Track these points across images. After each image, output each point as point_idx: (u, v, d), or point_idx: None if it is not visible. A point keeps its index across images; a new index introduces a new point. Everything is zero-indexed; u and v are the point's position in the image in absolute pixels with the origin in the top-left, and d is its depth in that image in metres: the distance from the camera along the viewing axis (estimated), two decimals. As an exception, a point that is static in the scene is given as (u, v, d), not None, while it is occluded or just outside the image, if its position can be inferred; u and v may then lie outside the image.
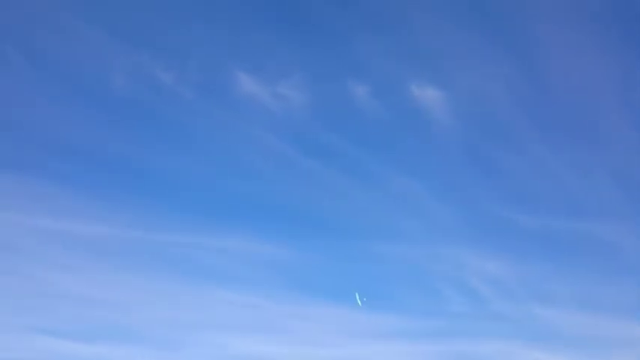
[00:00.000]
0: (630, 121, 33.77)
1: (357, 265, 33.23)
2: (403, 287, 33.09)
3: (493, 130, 34.59)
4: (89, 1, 32.52)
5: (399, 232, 33.77)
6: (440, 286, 32.92)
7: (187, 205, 33.52)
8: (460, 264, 33.29)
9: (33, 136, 32.53)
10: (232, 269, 32.63)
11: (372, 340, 31.45)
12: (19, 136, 32.29)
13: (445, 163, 34.61)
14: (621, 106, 33.96)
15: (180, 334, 30.82)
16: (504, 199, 34.28)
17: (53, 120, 32.82)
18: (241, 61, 33.67)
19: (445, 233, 33.71)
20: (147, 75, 33.07)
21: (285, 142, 34.06)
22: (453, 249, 33.42)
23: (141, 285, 31.67)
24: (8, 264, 30.62)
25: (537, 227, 33.60)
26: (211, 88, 33.76)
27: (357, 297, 30.20)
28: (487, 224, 34.01)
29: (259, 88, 33.51)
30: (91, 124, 33.01)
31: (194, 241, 32.76)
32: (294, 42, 34.16)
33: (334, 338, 31.52)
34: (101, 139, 33.09)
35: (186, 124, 33.85)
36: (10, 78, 32.23)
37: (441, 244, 33.50)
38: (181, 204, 33.49)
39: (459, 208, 34.32)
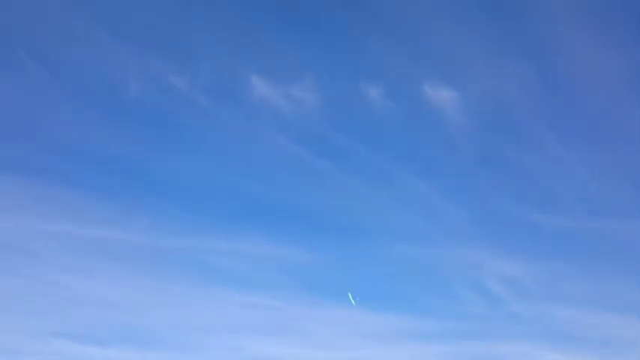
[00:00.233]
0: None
1: (372, 267, 33.29)
2: (418, 288, 33.04)
3: (508, 129, 34.51)
4: (102, 6, 32.73)
5: (414, 233, 33.76)
6: (455, 287, 32.87)
7: (201, 208, 33.75)
8: (476, 264, 33.22)
9: (48, 141, 32.89)
10: (246, 272, 32.76)
11: (388, 341, 31.41)
12: (34, 141, 32.60)
13: (460, 163, 34.52)
14: (637, 105, 33.79)
15: (195, 337, 30.96)
16: (520, 198, 34.18)
17: (68, 125, 33.07)
18: (253, 64, 33.87)
19: (460, 234, 33.63)
20: (159, 79, 33.36)
21: (298, 144, 34.15)
22: (468, 249, 33.34)
23: (156, 288, 31.87)
24: (25, 268, 30.90)
25: (554, 227, 33.47)
26: (224, 91, 33.97)
27: (350, 296, 30.15)
28: (503, 224, 33.91)
29: (272, 91, 33.64)
30: (104, 129, 33.27)
31: (208, 245, 32.92)
32: (306, 44, 34.32)
33: (349, 340, 31.52)
34: (115, 144, 33.39)
35: (199, 127, 34.07)
36: (23, 83, 32.61)
37: (456, 245, 33.43)
38: (195, 207, 33.73)
39: (474, 209, 34.24)
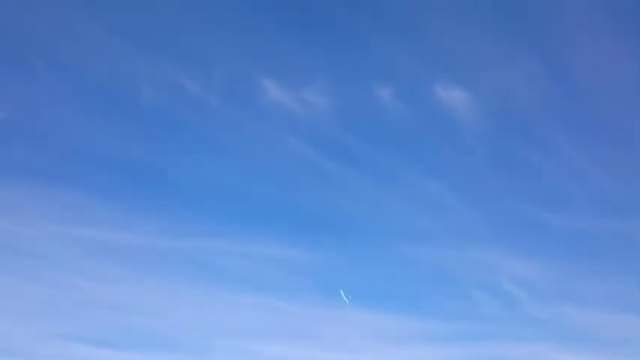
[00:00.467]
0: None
1: (385, 269, 33.20)
2: (432, 290, 32.97)
3: (520, 130, 34.35)
4: (114, 12, 33.02)
5: (427, 234, 33.69)
6: (468, 289, 32.73)
7: (213, 210, 33.95)
8: (489, 266, 33.08)
9: (62, 146, 33.27)
10: (259, 274, 32.90)
11: (401, 344, 31.34)
12: (49, 146, 33.00)
13: (472, 164, 34.41)
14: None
15: (208, 340, 31.12)
16: (533, 199, 33.99)
17: (81, 129, 33.41)
18: (266, 68, 33.98)
19: (474, 235, 33.51)
20: (173, 84, 33.57)
21: (310, 147, 34.22)
22: (481, 251, 33.23)
23: (170, 291, 32.09)
24: (42, 273, 31.23)
25: (568, 227, 33.26)
26: (237, 95, 34.13)
27: (343, 294, 30.15)
28: (516, 225, 33.77)
29: (284, 94, 33.74)
30: (118, 133, 33.55)
31: (222, 248, 33.07)
32: (317, 47, 34.40)
33: (362, 342, 31.49)
34: (129, 148, 33.66)
35: (213, 131, 34.25)
36: (38, 90, 33.00)
37: (469, 246, 33.31)
38: (207, 210, 33.92)
39: (487, 209, 34.13)
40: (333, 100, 34.05)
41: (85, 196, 32.64)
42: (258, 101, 33.75)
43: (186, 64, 33.63)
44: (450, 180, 34.25)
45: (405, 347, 31.07)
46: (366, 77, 34.13)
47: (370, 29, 33.82)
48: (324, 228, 33.83)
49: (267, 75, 33.71)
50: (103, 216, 32.55)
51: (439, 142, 34.55)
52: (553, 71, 34.00)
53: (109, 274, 31.71)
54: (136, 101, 33.23)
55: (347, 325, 31.78)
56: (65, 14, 32.36)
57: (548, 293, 32.37)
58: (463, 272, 32.99)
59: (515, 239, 33.37)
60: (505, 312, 31.97)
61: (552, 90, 34.17)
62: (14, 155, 32.04)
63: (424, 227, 33.70)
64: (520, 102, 34.14)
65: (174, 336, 30.93)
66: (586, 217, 33.34)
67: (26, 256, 31.12)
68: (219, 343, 30.89)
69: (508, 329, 31.23)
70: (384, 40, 33.93)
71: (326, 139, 34.26)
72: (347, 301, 29.89)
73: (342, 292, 30.07)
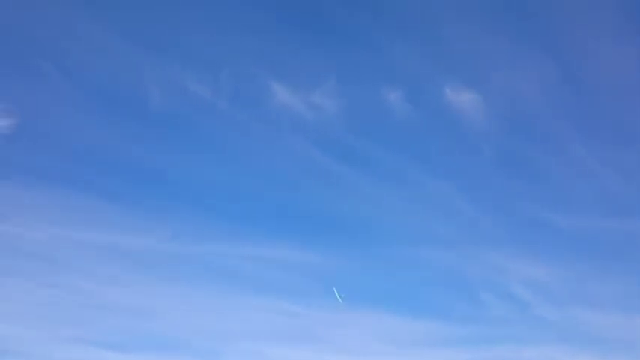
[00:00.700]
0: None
1: (396, 271, 33.24)
2: (442, 292, 32.95)
3: (529, 131, 34.32)
4: (123, 16, 33.23)
5: (438, 236, 33.68)
6: (479, 291, 32.69)
7: (227, 215, 34.11)
8: (499, 268, 33.01)
9: (75, 151, 33.49)
10: (271, 277, 32.97)
11: (411, 346, 31.28)
12: (61, 152, 33.23)
13: (482, 166, 34.39)
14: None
15: (219, 343, 31.21)
16: (543, 200, 33.94)
17: (92, 134, 33.63)
18: (274, 71, 34.10)
19: (483, 237, 33.46)
20: (182, 88, 33.79)
21: (320, 150, 34.29)
22: (491, 253, 33.19)
23: (179, 294, 32.24)
24: (52, 276, 31.42)
25: (578, 229, 33.17)
26: (246, 99, 34.24)
27: (336, 292, 30.11)
28: (526, 227, 33.72)
29: (293, 98, 33.82)
30: (129, 138, 33.81)
31: (232, 251, 33.21)
32: (326, 50, 34.46)
33: (373, 345, 31.45)
34: (140, 153, 33.90)
35: (222, 135, 34.46)
36: (47, 94, 33.24)
37: (479, 248, 33.27)
38: (219, 214, 34.09)
39: (497, 211, 34.08)
40: (342, 102, 34.21)
41: (95, 199, 32.99)
42: (267, 104, 33.97)
43: (194, 68, 33.98)
44: (459, 182, 34.36)
45: (415, 350, 31.15)
46: (375, 80, 34.31)
47: (378, 32, 34.01)
48: (333, 231, 34.06)
49: (275, 78, 33.95)
50: (113, 219, 32.88)
51: (448, 144, 34.69)
52: (562, 73, 34.03)
53: (120, 278, 31.99)
54: (146, 105, 33.56)
55: (357, 328, 31.95)
56: (74, 18, 32.74)
57: (558, 295, 32.39)
58: (473, 275, 33.09)
59: (525, 241, 33.43)
60: (515, 314, 32.03)
61: (561, 92, 34.20)
62: (24, 159, 32.44)
63: (434, 230, 33.84)
64: (529, 104, 34.21)
65: (185, 338, 31.16)
66: (596, 218, 33.37)
67: (37, 260, 31.45)
68: (230, 346, 31.08)
69: (518, 332, 31.26)
70: (392, 43, 34.12)
71: (335, 141, 34.45)
72: (340, 299, 30.00)
73: (335, 290, 30.22)
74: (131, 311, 31.40)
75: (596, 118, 33.97)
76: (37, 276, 31.08)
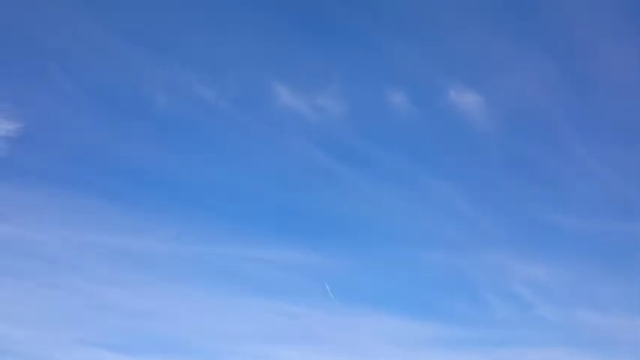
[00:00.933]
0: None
1: (399, 273, 33.20)
2: (444, 294, 32.85)
3: (534, 132, 34.18)
4: (129, 19, 33.44)
5: (441, 238, 33.59)
6: (482, 293, 32.57)
7: (229, 216, 34.11)
8: (503, 269, 32.87)
9: (77, 153, 33.60)
10: (274, 279, 32.98)
11: (413, 348, 31.27)
12: (64, 153, 33.35)
13: (486, 168, 34.30)
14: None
15: (223, 345, 31.19)
16: (547, 202, 33.77)
17: (97, 137, 33.75)
18: (278, 74, 34.16)
19: (487, 238, 33.33)
20: (186, 90, 33.90)
21: (324, 153, 34.31)
22: (495, 254, 33.04)
23: (184, 297, 32.25)
24: (57, 278, 31.53)
25: (582, 230, 33.01)
26: (250, 101, 34.32)
27: (328, 289, 30.12)
28: (530, 228, 33.54)
29: (297, 100, 33.87)
30: (132, 140, 33.91)
31: (236, 253, 33.23)
32: (330, 52, 34.49)
33: (377, 347, 31.37)
34: (143, 155, 34.02)
35: (226, 137, 34.51)
36: (52, 97, 33.38)
37: (482, 250, 33.15)
38: (223, 216, 34.09)
39: (501, 213, 33.94)
40: (345, 104, 34.23)
41: (97, 200, 33.07)
42: (271, 106, 34.03)
43: (198, 70, 34.13)
44: (463, 183, 34.25)
45: (417, 352, 31.11)
46: (378, 81, 34.32)
47: (382, 34, 34.02)
48: (336, 232, 34.05)
49: (279, 80, 34.04)
50: (114, 220, 32.97)
51: (452, 146, 34.58)
52: (567, 74, 33.91)
53: (124, 279, 32.07)
54: (149, 106, 33.70)
55: (364, 331, 31.88)
56: (77, 19, 32.95)
57: (562, 297, 32.22)
58: (475, 276, 32.96)
59: (529, 242, 33.27)
60: (518, 316, 31.91)
61: (567, 93, 34.09)
62: (26, 160, 32.51)
63: (437, 231, 33.74)
64: (534, 105, 34.08)
65: (188, 341, 31.20)
66: (600, 219, 33.17)
67: (38, 260, 31.58)
68: (234, 348, 31.09)
69: (521, 333, 31.13)
70: (396, 44, 34.11)
71: (339, 143, 34.45)
72: (332, 296, 30.01)
73: (327, 286, 30.24)
74: (133, 312, 31.55)
75: (600, 119, 33.90)
76: (38, 277, 31.25)
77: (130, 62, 33.50)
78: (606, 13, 32.56)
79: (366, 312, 31.77)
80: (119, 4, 33.40)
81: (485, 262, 32.85)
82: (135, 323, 31.25)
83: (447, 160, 34.60)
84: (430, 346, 31.17)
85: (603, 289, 31.86)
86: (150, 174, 33.90)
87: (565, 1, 32.94)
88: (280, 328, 31.81)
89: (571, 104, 33.99)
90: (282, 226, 33.95)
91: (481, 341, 30.92)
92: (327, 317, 31.87)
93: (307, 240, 33.46)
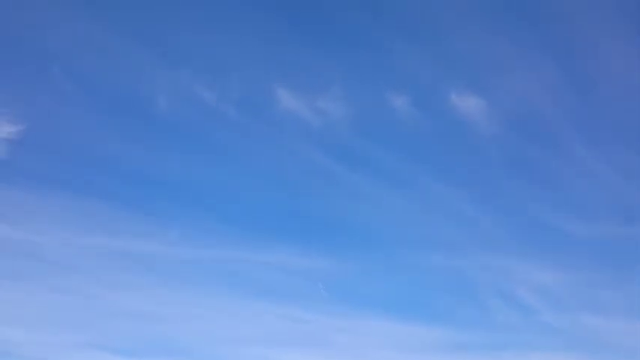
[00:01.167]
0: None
1: (401, 277, 33.17)
2: (448, 298, 32.81)
3: (537, 136, 34.08)
4: (130, 21, 33.39)
5: (444, 242, 33.54)
6: (486, 297, 32.51)
7: (233, 219, 34.08)
8: (507, 274, 32.84)
9: (82, 156, 33.53)
10: (279, 283, 32.95)
11: (417, 353, 31.24)
12: (68, 156, 33.31)
13: (489, 171, 34.24)
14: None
15: (228, 349, 31.20)
16: (551, 206, 33.69)
17: (100, 140, 33.71)
18: (281, 77, 34.16)
19: (491, 242, 33.29)
20: (189, 94, 33.86)
21: (326, 156, 34.26)
22: (499, 258, 33.01)
23: (187, 300, 32.20)
24: (62, 282, 31.53)
25: (587, 234, 32.89)
26: (252, 104, 34.25)
27: (321, 287, 30.14)
28: (534, 232, 33.47)
29: (299, 103, 33.84)
30: (136, 143, 33.85)
31: (241, 256, 33.18)
32: (332, 56, 34.41)
33: (381, 351, 31.34)
34: (147, 157, 33.94)
35: (227, 139, 34.42)
36: (55, 99, 33.32)
37: (486, 254, 33.11)
38: (227, 219, 34.07)
39: (505, 217, 33.89)
40: (347, 106, 34.18)
41: (104, 205, 33.03)
42: (272, 109, 33.97)
43: (200, 72, 34.10)
44: (466, 187, 34.16)
45: (420, 356, 31.09)
46: (380, 84, 34.26)
47: (383, 36, 33.94)
48: (338, 235, 34.01)
49: (280, 82, 34.01)
50: (122, 225, 32.94)
51: (455, 149, 34.51)
52: (569, 75, 33.82)
53: (126, 282, 32.04)
54: (151, 109, 33.67)
55: (366, 334, 31.89)
56: (80, 21, 32.87)
57: (566, 301, 32.18)
58: (479, 279, 32.90)
59: (533, 247, 33.18)
60: (522, 321, 31.83)
61: (570, 96, 34.00)
62: (30, 163, 32.48)
63: (440, 235, 33.70)
64: (537, 108, 34.01)
65: (191, 344, 31.19)
66: (605, 223, 33.08)
67: (42, 264, 31.52)
68: (236, 351, 31.08)
69: (526, 338, 31.04)
70: (397, 47, 34.05)
71: (340, 146, 34.41)
72: (323, 290, 30.02)
73: (320, 285, 30.26)
74: (135, 315, 31.53)
75: (602, 121, 33.83)
76: (39, 279, 31.24)
77: (131, 64, 33.61)
78: (606, 16, 32.58)
79: (368, 315, 31.89)
80: (120, 6, 33.40)
81: (487, 265, 32.91)
82: (138, 326, 31.35)
83: (449, 162, 34.62)
84: (433, 351, 31.25)
85: (608, 295, 31.86)
86: (151, 176, 33.98)
87: (565, 4, 32.92)
88: (283, 332, 31.92)
89: (572, 106, 33.99)
90: (284, 229, 34.00)
91: (484, 345, 30.98)
92: (332, 321, 31.98)
93: (309, 243, 33.56)
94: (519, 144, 34.09)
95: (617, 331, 30.74)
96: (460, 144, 34.25)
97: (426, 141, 34.32)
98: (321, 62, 34.20)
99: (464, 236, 33.45)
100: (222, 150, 34.50)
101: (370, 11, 33.67)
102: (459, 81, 33.79)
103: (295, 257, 33.08)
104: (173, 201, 33.89)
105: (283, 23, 33.94)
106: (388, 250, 33.45)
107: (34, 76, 32.93)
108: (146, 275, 32.34)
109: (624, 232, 32.58)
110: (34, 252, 31.41)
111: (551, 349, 30.38)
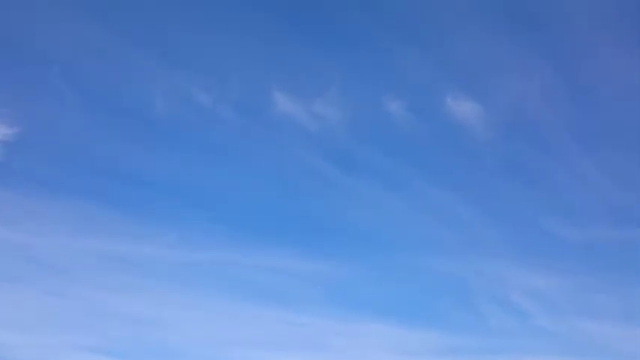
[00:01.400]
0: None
1: (398, 281, 33.25)
2: (445, 302, 32.95)
3: (532, 141, 34.24)
4: (128, 23, 33.32)
5: (440, 246, 33.70)
6: (481, 301, 32.69)
7: (230, 222, 34.06)
8: (501, 278, 33.00)
9: (78, 159, 33.46)
10: (276, 286, 33.00)
11: (412, 356, 31.40)
12: (65, 159, 33.24)
13: (484, 176, 34.39)
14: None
15: (223, 352, 31.19)
16: (545, 210, 33.86)
17: (96, 142, 33.64)
18: (278, 80, 34.16)
19: (486, 247, 33.46)
20: (186, 96, 33.81)
21: (323, 159, 34.35)
22: (493, 263, 33.17)
23: (185, 303, 32.22)
24: (58, 285, 31.48)
25: (581, 239, 33.05)
26: (249, 107, 34.25)
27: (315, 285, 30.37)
28: (528, 237, 33.68)
29: (296, 107, 33.87)
30: (133, 145, 33.80)
31: (238, 259, 33.22)
32: (329, 59, 34.41)
33: (377, 354, 31.46)
34: (144, 160, 33.92)
35: (225, 143, 34.48)
36: (52, 100, 33.18)
37: (481, 258, 33.28)
38: (224, 221, 34.04)
39: (499, 221, 34.07)
40: (344, 110, 34.25)
41: (98, 206, 32.92)
42: (269, 112, 34.02)
43: (197, 75, 34.05)
44: (461, 191, 34.29)
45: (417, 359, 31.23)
46: (377, 88, 34.33)
47: (381, 40, 34.02)
48: (337, 239, 34.07)
49: (278, 86, 34.01)
50: (119, 227, 32.87)
51: (451, 154, 34.67)
52: (566, 82, 34.04)
53: (127, 286, 32.01)
54: (149, 112, 33.62)
55: (363, 338, 31.92)
56: (77, 24, 32.72)
57: (560, 306, 32.37)
58: (474, 284, 33.04)
59: (528, 251, 33.37)
60: (516, 325, 32.02)
61: (565, 101, 34.22)
62: (28, 166, 32.36)
63: (436, 239, 33.84)
64: (533, 113, 34.20)
65: (190, 348, 31.18)
66: (600, 228, 33.31)
67: (39, 267, 31.53)
68: (237, 355, 31.09)
69: (520, 343, 31.17)
70: (395, 51, 34.10)
71: (337, 150, 34.50)
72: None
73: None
74: (133, 319, 31.54)
75: (598, 127, 34.03)
76: (36, 282, 31.15)
77: (128, 66, 33.52)
78: (602, 21, 32.78)
79: (365, 318, 31.99)
80: (117, 7, 33.29)
81: (483, 270, 33.07)
82: (135, 330, 31.31)
83: (445, 167, 34.75)
84: (428, 354, 31.38)
85: (603, 299, 32.11)
86: (149, 179, 33.93)
87: (563, 8, 33.01)
88: (280, 335, 31.98)
89: (568, 111, 34.20)
90: (282, 232, 34.06)
91: (479, 350, 31.12)
92: (329, 325, 32.04)
93: (306, 246, 33.60)
94: (515, 148, 34.34)
95: (611, 336, 31.04)
96: (456, 148, 34.47)
97: (422, 145, 34.51)
98: (318, 64, 34.35)
99: (459, 240, 33.73)
100: (219, 152, 34.63)
101: (368, 16, 33.80)
102: (455, 85, 33.99)
103: (293, 260, 33.22)
104: (171, 203, 33.96)
105: (281, 25, 34.01)
106: (384, 253, 33.64)
107: (31, 77, 32.90)
108: (143, 278, 32.39)
109: (618, 236, 32.92)
110: (30, 254, 31.46)
111: (545, 353, 30.61)
